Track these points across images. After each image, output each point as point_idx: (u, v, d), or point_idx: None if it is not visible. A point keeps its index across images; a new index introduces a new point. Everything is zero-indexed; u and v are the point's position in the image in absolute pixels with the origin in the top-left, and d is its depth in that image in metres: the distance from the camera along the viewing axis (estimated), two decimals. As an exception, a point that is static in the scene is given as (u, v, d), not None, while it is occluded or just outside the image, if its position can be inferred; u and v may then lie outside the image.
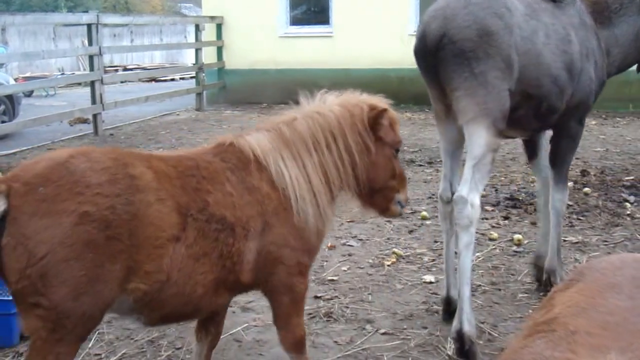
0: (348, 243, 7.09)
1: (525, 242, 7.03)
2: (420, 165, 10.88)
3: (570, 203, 8.34)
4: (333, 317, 5.39)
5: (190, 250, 3.30)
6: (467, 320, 4.69)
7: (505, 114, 4.66)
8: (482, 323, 5.25)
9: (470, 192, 4.68)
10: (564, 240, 7.00)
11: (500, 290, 5.86)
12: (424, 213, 7.95)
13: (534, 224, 7.56)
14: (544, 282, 5.75)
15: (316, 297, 5.69)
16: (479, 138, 4.65)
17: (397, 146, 4.09)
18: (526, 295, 5.79)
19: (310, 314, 5.40)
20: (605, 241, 6.95)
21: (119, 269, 3.08)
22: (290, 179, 3.69)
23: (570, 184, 9.30)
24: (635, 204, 8.38)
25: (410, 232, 7.45)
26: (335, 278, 6.14)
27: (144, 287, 3.20)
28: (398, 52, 17.33)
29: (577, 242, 7.02)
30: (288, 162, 3.72)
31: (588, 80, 5.28)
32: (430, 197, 8.77)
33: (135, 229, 3.10)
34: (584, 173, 9.93)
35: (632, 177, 9.64)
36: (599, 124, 14.63)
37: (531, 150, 5.88)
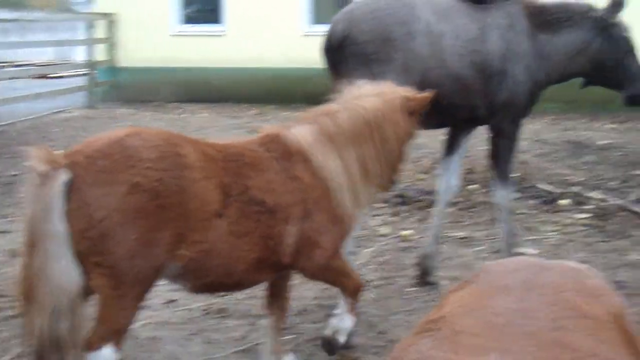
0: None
1: (414, 238, 7.23)
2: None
3: (457, 200, 8.64)
4: (226, 312, 5.45)
5: (233, 228, 3.65)
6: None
7: None
8: (374, 317, 5.41)
9: None
10: (449, 236, 7.26)
11: (390, 284, 6.03)
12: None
13: (422, 220, 7.80)
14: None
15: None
16: None
17: (414, 136, 4.41)
18: (415, 289, 5.98)
19: (204, 310, 5.46)
20: (489, 236, 7.21)
21: (169, 236, 3.45)
22: (331, 171, 4.00)
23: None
24: (518, 199, 8.72)
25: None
26: (229, 275, 6.18)
27: (190, 255, 3.56)
28: (291, 52, 17.43)
29: (463, 237, 7.28)
30: (330, 154, 4.02)
31: (514, 81, 5.52)
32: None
33: (182, 201, 3.47)
34: (469, 170, 10.24)
35: (517, 175, 10.00)
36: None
37: (449, 149, 6.08)
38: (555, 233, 7.41)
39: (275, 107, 16.71)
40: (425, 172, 10.11)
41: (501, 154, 5.80)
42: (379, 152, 4.15)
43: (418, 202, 8.47)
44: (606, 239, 7.28)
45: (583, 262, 6.25)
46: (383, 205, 8.41)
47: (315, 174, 3.97)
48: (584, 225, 7.79)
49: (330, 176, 3.99)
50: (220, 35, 18.12)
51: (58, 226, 3.29)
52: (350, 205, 4.07)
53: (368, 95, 4.16)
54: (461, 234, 7.38)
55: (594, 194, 8.95)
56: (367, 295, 5.75)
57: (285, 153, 3.95)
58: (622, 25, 5.81)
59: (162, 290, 5.78)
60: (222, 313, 5.44)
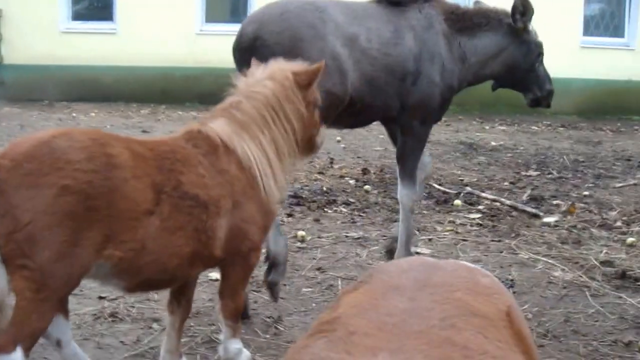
0: (134, 242, 6.97)
1: (309, 238, 7.22)
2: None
3: (352, 200, 8.67)
4: (118, 317, 5.30)
5: (165, 224, 3.66)
6: None
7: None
8: (269, 317, 5.36)
9: None
10: (346, 236, 7.28)
11: (285, 285, 5.99)
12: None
13: (317, 220, 7.80)
14: None
15: (100, 298, 5.57)
16: None
17: (318, 102, 4.42)
18: (310, 289, 5.96)
19: (94, 314, 5.29)
20: (384, 236, 7.23)
21: (96, 236, 3.43)
22: (253, 158, 4.08)
23: (352, 182, 9.68)
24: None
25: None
26: (120, 278, 6.03)
27: (119, 254, 3.54)
28: (184, 51, 17.24)
29: (358, 238, 7.30)
30: (248, 142, 4.09)
31: (428, 82, 5.66)
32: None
33: (111, 202, 3.46)
34: (364, 171, 10.32)
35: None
36: (378, 124, 15.19)
37: (394, 143, 6.19)
38: (449, 233, 7.50)
39: (167, 107, 16.52)
40: (320, 172, 10.13)
41: (408, 152, 5.90)
42: (287, 131, 4.24)
43: (313, 203, 8.46)
44: (498, 238, 7.42)
45: (476, 261, 6.41)
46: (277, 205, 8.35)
47: (239, 165, 4.04)
48: (476, 225, 7.93)
49: (253, 165, 4.07)
50: (111, 33, 17.75)
51: None
52: (274, 190, 4.18)
53: (261, 80, 4.21)
54: (356, 234, 7.40)
55: (486, 194, 9.13)
56: (262, 297, 5.70)
57: (210, 148, 4.00)
58: (533, 31, 6.08)
59: (49, 294, 5.61)
60: (114, 317, 5.28)
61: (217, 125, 4.11)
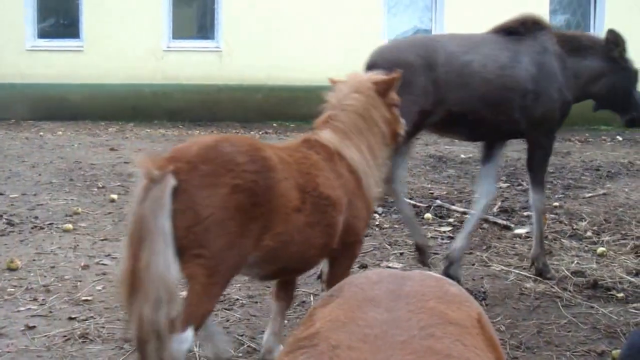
0: (102, 262, 6.90)
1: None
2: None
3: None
4: (89, 338, 5.23)
5: (308, 219, 4.24)
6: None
7: (410, 126, 5.63)
8: (241, 335, 5.32)
9: None
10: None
11: (257, 302, 5.95)
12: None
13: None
14: (537, 271, 6.73)
15: (70, 319, 5.51)
16: None
17: (397, 103, 4.97)
18: (282, 306, 5.91)
19: (64, 336, 5.22)
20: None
21: (257, 228, 4.00)
22: (358, 163, 4.68)
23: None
24: (383, 214, 8.82)
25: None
26: (89, 298, 5.96)
27: (272, 244, 4.11)
28: (151, 68, 17.16)
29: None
30: (351, 148, 4.68)
31: (548, 99, 6.44)
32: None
33: (270, 198, 4.03)
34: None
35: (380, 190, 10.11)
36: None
37: (485, 158, 6.91)
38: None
39: (136, 124, 16.41)
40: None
41: (537, 162, 6.73)
42: (376, 134, 4.82)
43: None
44: (469, 250, 7.42)
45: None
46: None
47: (349, 168, 4.62)
48: (447, 237, 7.93)
49: (358, 168, 4.66)
50: (77, 51, 17.60)
51: (166, 223, 3.75)
52: (374, 188, 4.78)
53: (349, 94, 4.77)
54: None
55: (457, 207, 9.15)
56: (233, 315, 5.68)
57: (328, 154, 4.57)
58: (630, 60, 6.86)
59: (20, 316, 5.54)
60: (84, 338, 5.21)
61: (327, 135, 4.67)
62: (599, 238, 7.93)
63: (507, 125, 6.53)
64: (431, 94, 6.15)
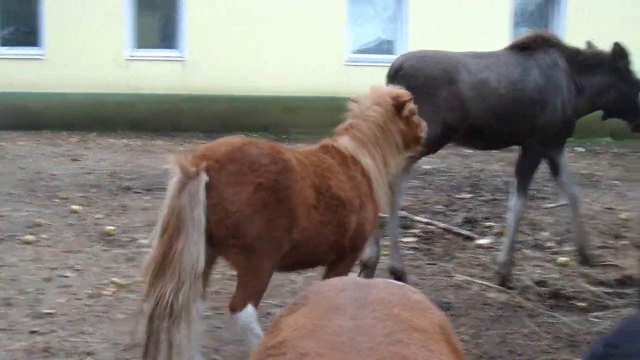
0: (64, 274, 6.82)
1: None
2: (138, 193, 10.56)
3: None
4: (51, 351, 5.17)
5: (322, 217, 4.66)
6: None
7: (433, 137, 6.06)
8: (206, 347, 5.29)
9: None
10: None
11: (221, 314, 5.92)
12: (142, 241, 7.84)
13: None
14: (500, 278, 6.87)
15: (32, 332, 5.44)
16: None
17: (415, 112, 5.29)
18: (247, 317, 5.89)
19: (26, 350, 5.15)
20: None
21: (287, 222, 4.48)
22: (372, 168, 5.02)
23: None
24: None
25: (129, 260, 7.32)
26: (52, 311, 5.88)
27: (298, 238, 4.56)
28: (114, 77, 17.00)
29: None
30: (368, 156, 5.04)
31: (552, 110, 6.84)
32: (148, 225, 8.62)
33: (291, 196, 4.48)
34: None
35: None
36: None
37: (553, 170, 7.36)
38: (384, 257, 7.50)
39: (98, 134, 16.24)
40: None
41: (526, 168, 7.05)
42: (391, 146, 5.17)
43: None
44: (433, 261, 7.47)
45: (412, 284, 6.41)
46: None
47: (362, 173, 4.98)
48: (411, 248, 7.96)
49: (371, 173, 5.00)
50: (38, 59, 17.37)
51: (201, 215, 4.24)
52: (383, 195, 5.12)
53: (371, 106, 5.14)
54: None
55: (420, 218, 9.18)
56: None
57: (342, 159, 4.95)
58: (634, 71, 7.26)
59: (-21, 329, 5.45)
60: (47, 352, 5.15)
61: (344, 141, 5.05)
62: (560, 248, 8.02)
63: (521, 135, 6.92)
64: (456, 109, 6.60)
